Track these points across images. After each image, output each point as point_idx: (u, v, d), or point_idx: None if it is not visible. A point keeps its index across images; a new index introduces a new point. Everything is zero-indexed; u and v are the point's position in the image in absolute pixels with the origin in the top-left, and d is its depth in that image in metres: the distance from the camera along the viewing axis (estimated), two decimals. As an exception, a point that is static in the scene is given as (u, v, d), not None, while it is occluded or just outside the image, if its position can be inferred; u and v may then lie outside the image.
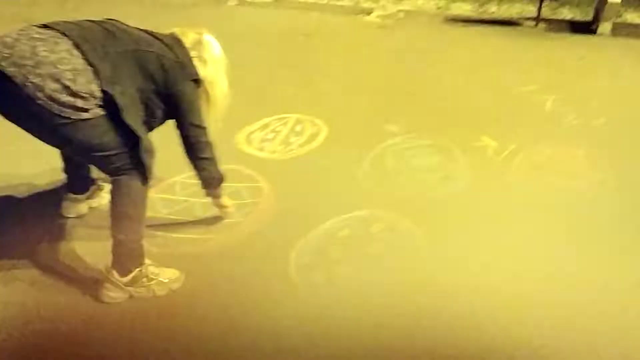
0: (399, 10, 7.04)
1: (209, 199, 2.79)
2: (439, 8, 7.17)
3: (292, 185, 3.22)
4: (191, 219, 2.90)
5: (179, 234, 2.80)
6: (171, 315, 2.29)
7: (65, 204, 2.89)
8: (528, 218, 2.89)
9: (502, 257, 2.62)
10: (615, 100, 4.29)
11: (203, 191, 2.69)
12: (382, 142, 3.70)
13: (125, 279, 2.29)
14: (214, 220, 2.88)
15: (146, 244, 2.41)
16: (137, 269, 2.30)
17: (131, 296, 2.33)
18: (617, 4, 5.74)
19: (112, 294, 2.31)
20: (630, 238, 2.73)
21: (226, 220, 2.87)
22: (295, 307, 2.34)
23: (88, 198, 2.93)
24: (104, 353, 2.11)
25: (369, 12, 6.98)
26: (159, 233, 2.78)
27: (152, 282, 2.34)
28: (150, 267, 2.36)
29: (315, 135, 3.79)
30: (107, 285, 2.30)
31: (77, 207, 2.90)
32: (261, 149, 3.61)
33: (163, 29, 2.41)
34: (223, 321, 2.27)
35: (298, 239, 2.75)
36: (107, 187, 2.66)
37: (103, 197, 2.92)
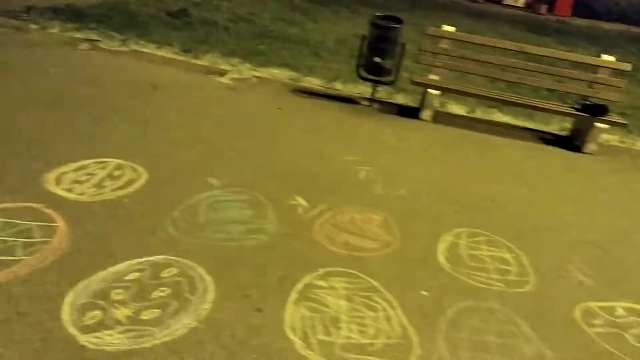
0: (253, 76, 7.39)
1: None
2: (291, 79, 7.64)
3: (93, 227, 3.19)
4: (-31, 253, 2.76)
5: (-50, 267, 2.64)
6: None
7: None
8: (311, 268, 3.12)
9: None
10: (418, 176, 4.83)
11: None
12: (199, 193, 3.82)
13: None
14: (-5, 255, 2.76)
15: None
16: None
17: None
18: (435, 95, 6.55)
19: None
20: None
21: (6, 258, 2.76)
22: (59, 347, 2.29)
23: None
24: None
25: (223, 73, 7.25)
26: None
27: None
28: None
29: (133, 181, 3.82)
30: None
31: None
32: (69, 190, 3.55)
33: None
34: (-29, 358, 2.15)
35: (80, 280, 2.72)
36: None
37: None
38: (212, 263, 3.04)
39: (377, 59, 6.44)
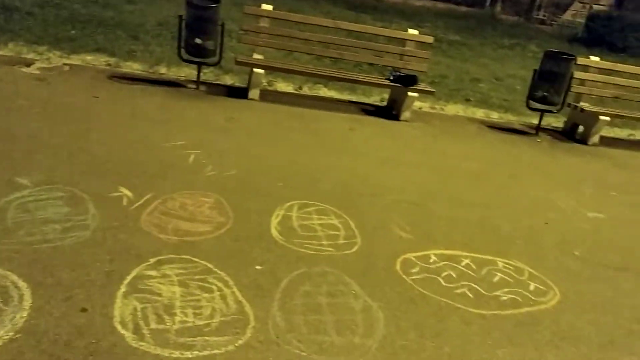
0: (64, 64, 6.83)
1: None
2: (108, 65, 7.20)
3: None
4: None
5: None
6: None
7: None
8: (140, 259, 3.03)
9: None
10: (248, 155, 4.89)
11: None
12: (7, 195, 3.47)
13: None
14: None
15: None
16: None
17: None
18: (261, 74, 6.64)
19: None
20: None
21: None
22: None
23: None
24: None
25: (29, 63, 6.59)
26: None
27: None
28: None
29: None
30: None
31: None
32: None
33: None
34: None
35: None
36: None
37: None
38: (26, 268, 2.80)
39: (197, 40, 6.32)
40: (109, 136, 4.75)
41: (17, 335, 2.36)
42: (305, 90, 7.75)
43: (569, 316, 3.08)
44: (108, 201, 3.64)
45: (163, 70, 7.39)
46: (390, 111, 7.28)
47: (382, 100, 7.82)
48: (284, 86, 7.72)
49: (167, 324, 2.59)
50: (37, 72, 6.33)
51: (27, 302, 2.57)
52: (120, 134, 4.83)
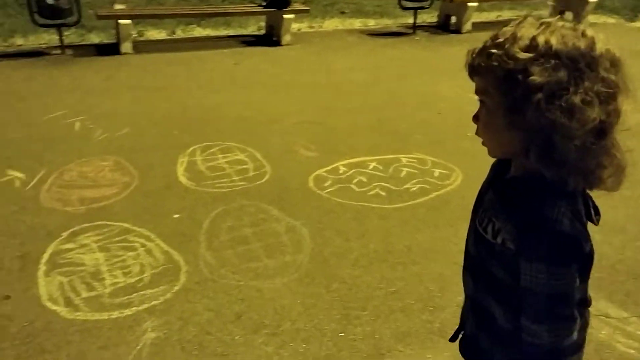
0: None
1: None
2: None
3: None
4: None
5: None
6: None
7: None
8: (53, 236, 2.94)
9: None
10: (137, 110, 4.72)
11: None
12: None
13: None
14: None
15: None
16: None
17: None
18: (129, 24, 6.28)
19: None
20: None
21: None
22: None
23: None
24: None
25: None
26: None
27: None
28: None
29: None
30: None
31: None
32: None
33: None
34: None
35: None
36: None
37: None
38: None
39: (50, 1, 5.82)
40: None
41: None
42: (180, 34, 7.46)
43: (473, 191, 3.38)
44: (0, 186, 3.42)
45: (20, 42, 6.79)
46: (270, 38, 7.21)
47: (259, 29, 7.71)
48: (156, 33, 7.37)
49: (99, 289, 2.57)
50: None
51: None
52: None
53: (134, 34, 6.64)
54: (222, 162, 3.86)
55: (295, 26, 7.28)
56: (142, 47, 6.60)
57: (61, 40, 6.25)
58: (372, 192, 3.49)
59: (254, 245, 2.93)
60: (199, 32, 7.56)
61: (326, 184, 3.59)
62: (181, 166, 3.78)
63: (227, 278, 2.67)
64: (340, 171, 3.77)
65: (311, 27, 8.01)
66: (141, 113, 4.66)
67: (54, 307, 2.44)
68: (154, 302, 2.49)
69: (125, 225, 3.07)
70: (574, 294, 1.00)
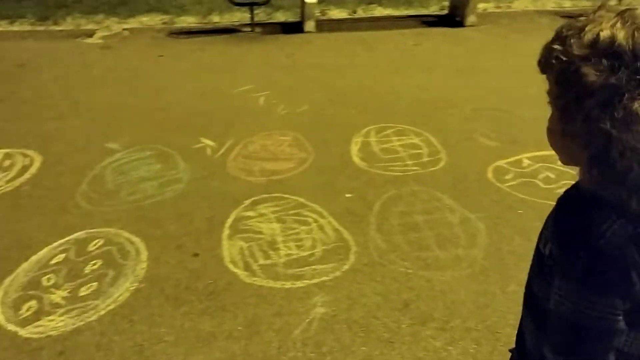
0: (124, 29, 6.94)
1: None
2: (164, 23, 7.25)
3: (1, 222, 3.00)
4: None
5: None
6: None
7: None
8: (236, 203, 3.14)
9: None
10: (316, 88, 4.85)
11: None
12: (101, 161, 3.66)
13: None
14: None
15: None
16: None
17: None
18: (314, 4, 6.47)
19: None
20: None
21: None
22: (3, 346, 2.21)
23: None
24: None
25: (91, 34, 6.75)
26: None
27: None
28: None
29: (27, 167, 3.58)
30: None
31: None
32: (-39, 193, 3.28)
33: None
34: None
35: (5, 276, 2.59)
36: None
37: None
38: (135, 225, 2.98)
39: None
40: (180, 91, 4.84)
41: (141, 285, 2.55)
42: (360, 13, 7.51)
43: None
44: (193, 153, 3.75)
45: (216, 19, 7.36)
46: (452, 19, 6.93)
47: (442, 9, 7.45)
48: (337, 13, 7.50)
49: (274, 258, 2.69)
50: (100, 41, 6.48)
51: (144, 254, 2.75)
52: (190, 88, 4.91)
53: (317, 13, 6.82)
54: (396, 145, 3.80)
55: (481, 6, 6.91)
56: (324, 26, 6.77)
57: (252, 18, 6.65)
58: (560, 191, 3.17)
59: (425, 234, 2.84)
60: (379, 11, 7.54)
61: (507, 177, 3.36)
62: (355, 146, 3.80)
63: (396, 264, 2.62)
64: (524, 164, 3.50)
65: (498, 7, 7.54)
66: (320, 91, 4.78)
67: (235, 270, 2.61)
68: (323, 278, 2.54)
69: (300, 199, 3.17)
70: (610, 335, 0.79)
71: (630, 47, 0.73)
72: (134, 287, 2.53)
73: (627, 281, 0.77)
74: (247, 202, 3.16)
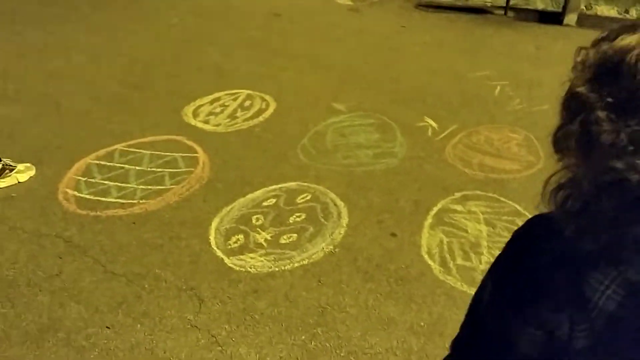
0: (374, -5, 7.06)
1: (145, 167, 2.93)
2: (414, -6, 7.20)
3: (229, 156, 3.30)
4: (124, 185, 2.99)
5: (109, 198, 2.89)
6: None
7: None
8: (446, 192, 2.99)
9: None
10: (563, 88, 4.36)
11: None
12: (326, 119, 3.78)
13: None
14: (145, 187, 2.97)
15: (72, 206, 2.56)
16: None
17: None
18: (582, -5, 5.80)
19: None
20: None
21: (156, 187, 2.96)
22: (208, 268, 2.44)
23: None
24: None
25: (342, -6, 7.00)
26: (91, 197, 2.87)
27: (12, 172, 2.90)
28: (6, 160, 2.91)
29: (262, 110, 3.87)
30: None
31: None
32: (206, 122, 3.68)
33: None
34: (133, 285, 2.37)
35: (224, 206, 2.84)
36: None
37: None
38: (343, 189, 3.03)
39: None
40: (414, 65, 4.77)
41: (336, 250, 2.59)
42: (633, 14, 6.54)
43: None
44: (414, 130, 3.67)
45: (466, -3, 7.06)
46: None
47: None
48: (606, 10, 6.64)
49: (474, 262, 2.51)
50: (350, 3, 6.68)
51: (344, 219, 2.78)
52: (425, 63, 4.81)
53: (582, 6, 6.11)
54: None
55: None
56: (587, 21, 6.04)
57: (507, 1, 6.23)
58: None
59: None
60: (658, 14, 6.49)
61: None
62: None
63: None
64: None
65: None
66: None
67: (429, 262, 2.51)
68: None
69: (518, 207, 2.90)
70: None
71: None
72: (328, 250, 2.58)
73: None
74: (458, 194, 3.00)
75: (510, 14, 6.29)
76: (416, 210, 2.87)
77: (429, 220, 2.79)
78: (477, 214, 2.84)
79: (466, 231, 2.70)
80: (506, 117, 3.90)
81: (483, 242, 2.63)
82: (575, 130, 0.66)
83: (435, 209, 2.87)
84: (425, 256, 2.54)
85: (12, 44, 4.73)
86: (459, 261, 2.51)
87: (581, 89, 0.67)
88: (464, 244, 2.62)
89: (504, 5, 6.29)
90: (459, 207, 2.89)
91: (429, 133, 3.66)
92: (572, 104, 0.68)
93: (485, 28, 5.84)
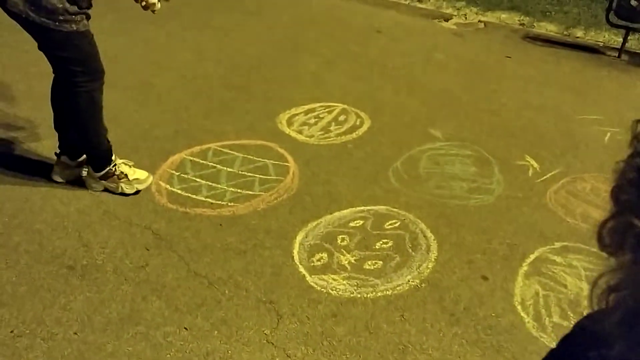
0: (480, 21, 6.87)
1: (237, 169, 2.93)
2: (521, 24, 6.93)
3: (319, 170, 3.25)
4: (215, 184, 3.00)
5: (199, 196, 2.91)
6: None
7: (55, 167, 2.86)
8: (544, 240, 2.78)
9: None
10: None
11: None
12: (421, 144, 3.67)
13: (99, 174, 2.77)
14: (235, 189, 2.97)
15: (164, 199, 2.57)
16: (108, 167, 2.75)
17: (105, 188, 2.82)
18: None
19: (92, 185, 2.82)
20: None
21: (246, 192, 2.95)
22: (289, 283, 2.38)
23: (78, 166, 2.86)
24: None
25: (447, 18, 6.86)
26: (182, 192, 2.90)
27: (122, 180, 2.79)
28: (122, 166, 2.76)
29: (357, 127, 3.81)
30: (88, 177, 2.80)
31: (66, 173, 2.86)
32: (299, 132, 3.66)
33: None
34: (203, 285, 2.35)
35: (310, 220, 2.79)
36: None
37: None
38: (434, 220, 2.89)
39: (634, 2, 5.45)
40: (517, 99, 4.55)
41: (422, 285, 2.46)
42: None
43: None
44: (513, 168, 3.48)
45: (579, 34, 6.72)
46: None
47: None
48: None
49: (571, 321, 2.30)
50: (454, 27, 6.53)
51: (433, 254, 2.65)
52: (529, 99, 4.58)
53: None
54: None
55: None
56: None
57: (623, 43, 5.86)
58: None
59: None
60: None
61: None
62: None
63: None
64: None
65: None
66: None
67: (522, 314, 2.33)
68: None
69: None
70: None
71: None
72: (414, 284, 2.46)
73: None
74: (558, 245, 2.79)
75: (625, 57, 5.91)
76: (510, 254, 2.69)
77: (524, 267, 2.61)
78: (578, 269, 2.62)
79: (565, 286, 2.50)
80: (611, 166, 3.61)
81: (584, 301, 2.42)
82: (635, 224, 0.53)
83: (531, 257, 2.68)
84: (519, 307, 2.36)
85: (124, 36, 4.93)
86: (556, 319, 2.31)
87: None
88: (562, 300, 2.42)
89: (619, 47, 5.93)
90: (558, 259, 2.68)
91: (529, 173, 3.45)
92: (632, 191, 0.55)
93: (597, 69, 5.51)
